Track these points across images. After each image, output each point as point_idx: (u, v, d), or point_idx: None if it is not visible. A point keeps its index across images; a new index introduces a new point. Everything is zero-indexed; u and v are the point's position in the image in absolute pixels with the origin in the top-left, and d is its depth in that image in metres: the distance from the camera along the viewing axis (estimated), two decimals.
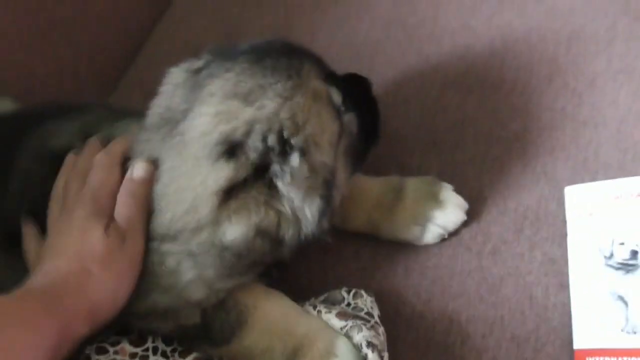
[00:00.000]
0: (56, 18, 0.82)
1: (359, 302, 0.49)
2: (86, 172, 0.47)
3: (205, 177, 0.42)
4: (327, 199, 0.45)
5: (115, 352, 0.45)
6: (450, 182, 0.54)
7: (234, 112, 0.43)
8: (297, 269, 0.56)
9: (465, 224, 0.53)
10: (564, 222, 0.50)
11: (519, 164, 0.56)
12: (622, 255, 0.45)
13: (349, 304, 0.49)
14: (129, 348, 0.46)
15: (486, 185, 0.56)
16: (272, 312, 0.46)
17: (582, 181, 0.52)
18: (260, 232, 0.43)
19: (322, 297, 0.51)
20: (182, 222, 0.43)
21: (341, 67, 0.51)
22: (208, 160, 0.42)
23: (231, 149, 0.42)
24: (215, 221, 0.43)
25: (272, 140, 0.42)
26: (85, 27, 0.84)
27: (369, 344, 0.43)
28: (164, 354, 0.46)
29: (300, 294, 0.50)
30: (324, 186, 0.45)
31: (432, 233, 0.52)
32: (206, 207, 0.42)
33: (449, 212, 0.52)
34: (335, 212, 0.48)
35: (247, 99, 0.43)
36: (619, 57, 0.59)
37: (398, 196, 0.53)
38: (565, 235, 0.50)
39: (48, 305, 0.39)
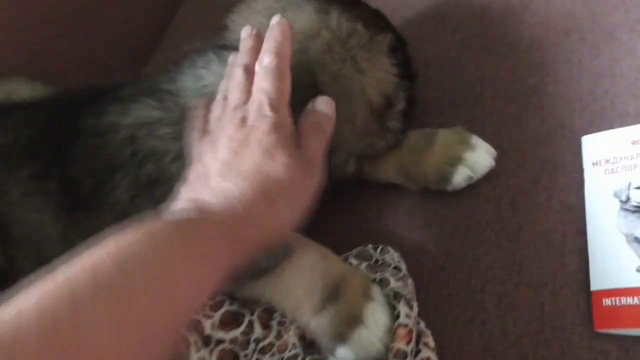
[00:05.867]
0: (85, 2, 0.85)
1: (387, 257, 0.51)
2: (247, 80, 0.43)
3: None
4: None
5: None
6: None
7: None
8: (320, 229, 0.58)
9: (483, 177, 0.54)
10: (581, 171, 0.51)
11: (536, 117, 0.57)
12: (638, 198, 0.46)
13: (377, 261, 0.51)
14: None
15: (504, 140, 0.57)
16: (313, 253, 0.48)
17: (599, 131, 0.52)
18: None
19: (353, 253, 0.53)
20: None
21: None
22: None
23: None
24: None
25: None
26: (113, 10, 0.87)
27: (397, 295, 0.45)
28: None
29: None
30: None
31: (461, 174, 0.53)
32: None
33: (480, 154, 0.53)
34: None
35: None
36: (636, 7, 0.58)
37: (430, 140, 0.55)
38: (582, 184, 0.50)
39: (227, 234, 0.35)
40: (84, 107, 0.55)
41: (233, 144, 0.40)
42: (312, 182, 0.40)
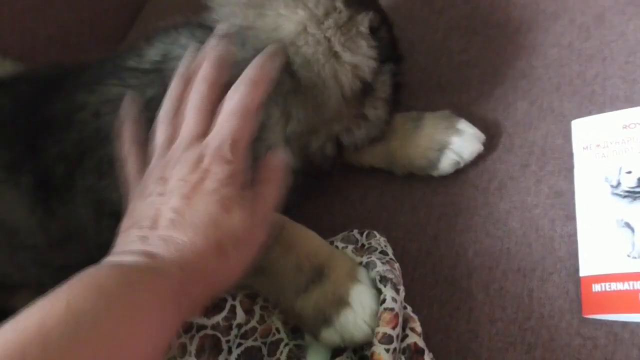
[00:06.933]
0: None
1: (373, 241, 0.50)
2: (206, 106, 0.38)
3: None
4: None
5: None
6: None
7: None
8: (304, 214, 0.57)
9: (471, 163, 0.53)
10: (571, 155, 0.50)
11: (525, 101, 0.56)
12: (629, 183, 0.45)
13: (363, 245, 0.50)
14: None
15: (492, 124, 0.56)
16: (299, 234, 0.47)
17: (589, 115, 0.51)
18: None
19: (338, 237, 0.51)
20: None
21: None
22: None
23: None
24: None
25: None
26: None
27: (383, 279, 0.44)
28: None
29: None
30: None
31: (448, 159, 0.52)
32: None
33: (467, 139, 0.52)
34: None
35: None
36: None
37: (416, 124, 0.54)
38: (571, 168, 0.49)
39: (177, 289, 0.33)
40: (51, 90, 0.52)
41: (185, 189, 0.36)
42: (263, 233, 0.39)
